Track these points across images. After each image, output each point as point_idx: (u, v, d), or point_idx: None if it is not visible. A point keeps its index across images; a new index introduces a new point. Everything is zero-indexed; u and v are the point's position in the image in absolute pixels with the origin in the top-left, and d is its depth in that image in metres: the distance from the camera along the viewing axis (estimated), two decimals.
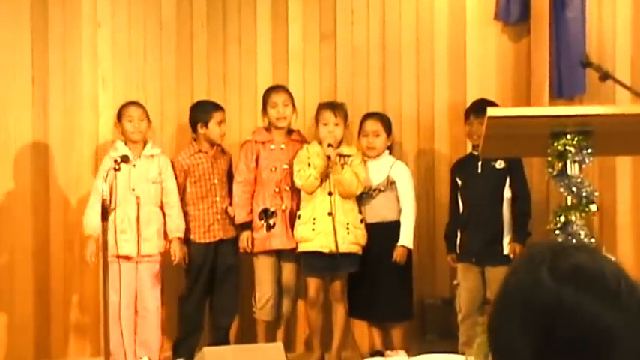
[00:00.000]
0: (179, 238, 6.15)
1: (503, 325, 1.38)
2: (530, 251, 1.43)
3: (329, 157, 5.96)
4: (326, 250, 5.97)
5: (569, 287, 1.33)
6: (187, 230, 6.20)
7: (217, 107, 6.30)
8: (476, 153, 5.78)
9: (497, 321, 1.40)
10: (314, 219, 6.02)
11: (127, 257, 5.96)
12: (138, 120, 6.10)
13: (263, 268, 6.23)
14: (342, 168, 5.99)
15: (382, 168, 6.17)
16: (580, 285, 1.34)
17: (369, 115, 6.25)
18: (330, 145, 5.98)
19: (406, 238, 6.07)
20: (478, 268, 5.93)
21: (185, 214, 6.21)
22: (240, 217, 6.20)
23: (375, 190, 6.13)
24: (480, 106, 5.78)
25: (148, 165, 6.12)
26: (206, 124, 6.22)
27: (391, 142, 6.25)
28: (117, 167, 5.36)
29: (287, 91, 6.31)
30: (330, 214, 5.97)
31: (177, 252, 6.12)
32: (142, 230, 6.00)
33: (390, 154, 6.24)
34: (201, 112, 6.26)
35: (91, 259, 5.98)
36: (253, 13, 6.62)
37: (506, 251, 5.90)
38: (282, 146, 6.26)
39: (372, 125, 6.16)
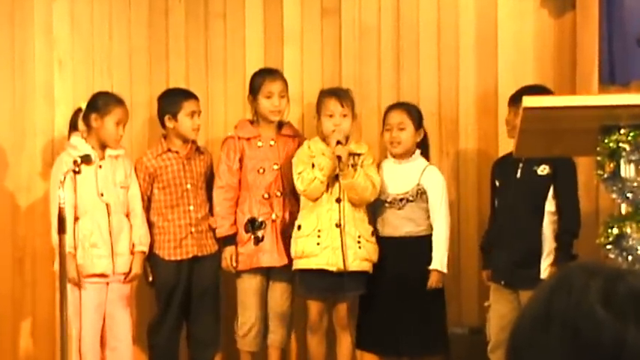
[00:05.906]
0: (142, 252, 6.08)
1: (537, 350, 1.40)
2: (565, 272, 1.44)
3: (339, 158, 5.81)
4: (333, 269, 5.86)
5: (632, 326, 1.34)
6: (153, 245, 6.14)
7: (188, 95, 6.20)
8: None
9: (527, 343, 1.42)
10: (319, 231, 5.90)
11: (103, 275, 5.92)
12: (124, 125, 6.02)
13: (248, 290, 6.14)
14: (355, 170, 5.89)
15: (412, 173, 6.07)
16: None
17: (392, 107, 6.19)
18: (339, 143, 5.84)
19: (440, 261, 5.97)
20: (511, 290, 5.83)
21: (151, 225, 6.14)
22: (223, 230, 6.11)
23: (402, 200, 6.03)
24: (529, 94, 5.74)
25: (114, 166, 6.05)
26: (175, 117, 6.11)
27: (421, 137, 6.14)
28: (77, 169, 5.22)
29: (283, 78, 6.23)
30: (338, 225, 5.86)
31: (135, 269, 6.02)
32: (115, 243, 5.96)
33: (422, 154, 6.15)
34: (169, 102, 6.17)
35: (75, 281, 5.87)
36: None
37: (544, 276, 5.75)
38: (272, 142, 6.16)
39: (395, 117, 6.07)
